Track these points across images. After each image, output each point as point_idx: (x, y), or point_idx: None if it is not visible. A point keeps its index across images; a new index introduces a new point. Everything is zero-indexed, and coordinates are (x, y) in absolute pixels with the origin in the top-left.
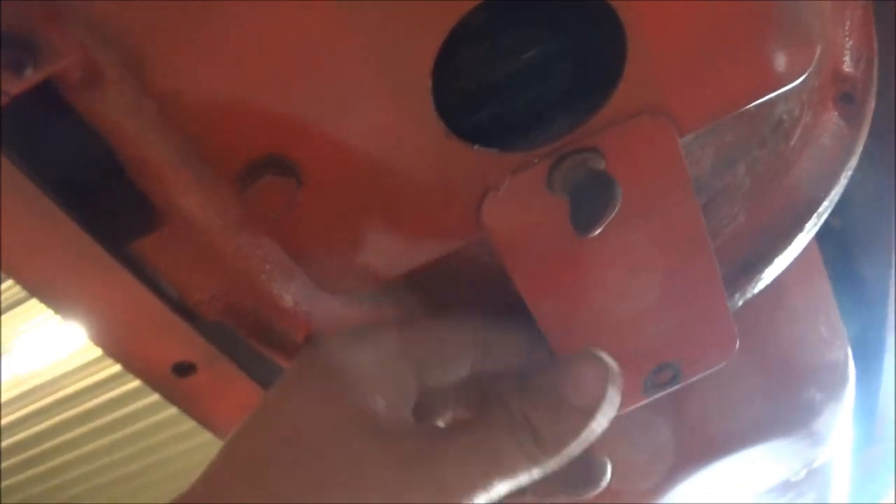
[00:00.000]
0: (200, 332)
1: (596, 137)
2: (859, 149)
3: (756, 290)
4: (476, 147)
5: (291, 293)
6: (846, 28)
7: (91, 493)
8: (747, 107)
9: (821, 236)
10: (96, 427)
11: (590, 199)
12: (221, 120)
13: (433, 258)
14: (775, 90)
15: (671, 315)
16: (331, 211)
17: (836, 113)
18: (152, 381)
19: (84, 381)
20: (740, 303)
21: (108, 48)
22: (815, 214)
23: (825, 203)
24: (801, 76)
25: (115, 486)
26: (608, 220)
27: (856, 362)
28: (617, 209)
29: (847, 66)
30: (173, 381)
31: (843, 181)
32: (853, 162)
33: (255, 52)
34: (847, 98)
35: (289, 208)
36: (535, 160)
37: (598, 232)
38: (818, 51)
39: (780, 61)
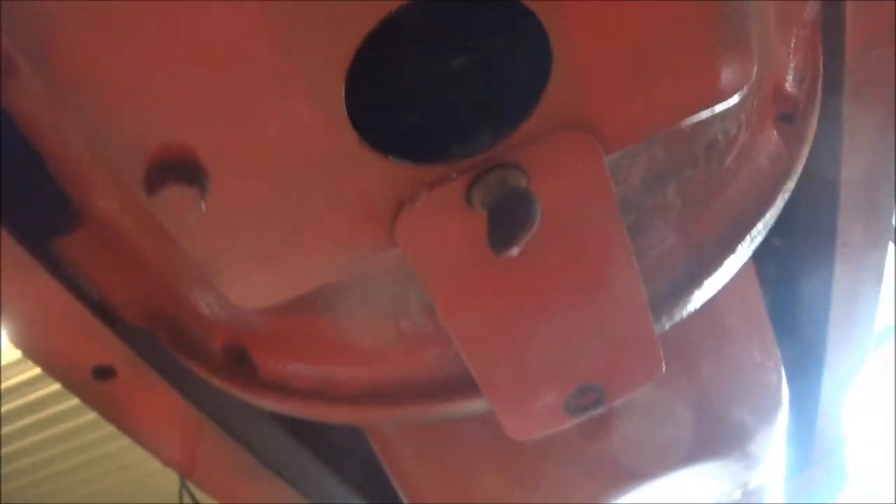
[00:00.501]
0: (121, 337)
1: (518, 153)
2: (798, 170)
3: (685, 314)
4: (391, 158)
5: (209, 300)
6: (791, 46)
7: (28, 486)
8: (680, 124)
9: (762, 255)
10: (40, 419)
11: (508, 218)
12: (122, 115)
13: (346, 273)
14: (709, 107)
15: (593, 336)
16: (239, 219)
17: (776, 132)
18: (72, 385)
19: (28, 373)
20: (668, 326)
21: (16, 39)
22: (749, 237)
23: (759, 225)
24: (737, 93)
25: (52, 481)
26: (526, 240)
27: (794, 382)
28: (535, 229)
29: (790, 86)
30: (93, 384)
31: (779, 203)
32: (791, 184)
33: (159, 48)
34: (787, 118)
35: (194, 216)
36: (454, 174)
37: (515, 251)
38: (755, 67)
39: (716, 77)
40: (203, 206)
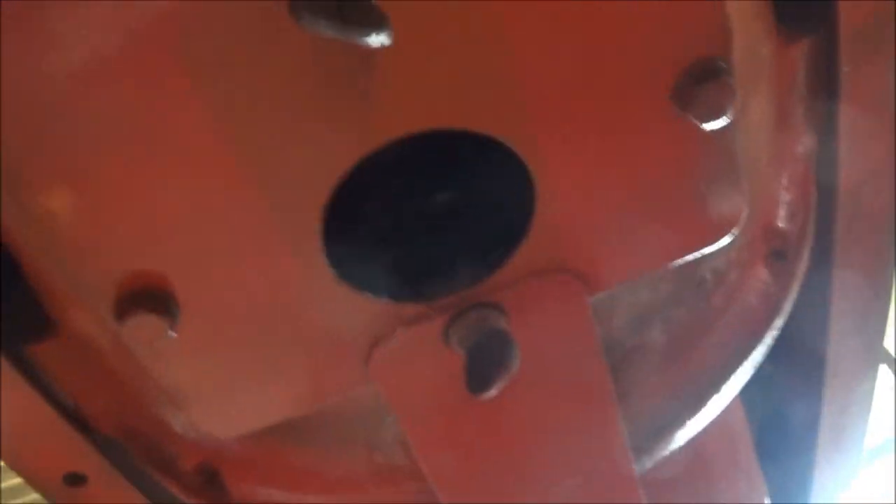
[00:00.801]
0: (94, 445)
1: (499, 293)
2: (788, 307)
3: (667, 453)
4: (368, 295)
5: (182, 420)
6: (784, 182)
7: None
8: (667, 267)
9: (749, 381)
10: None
11: (486, 359)
12: (93, 243)
13: (317, 406)
14: (697, 251)
15: (570, 474)
16: (209, 350)
17: (766, 270)
18: (43, 489)
19: None
20: (648, 465)
21: None
22: (734, 376)
23: (745, 365)
24: (724, 238)
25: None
26: (503, 382)
27: None
28: (513, 372)
29: (781, 222)
30: (64, 490)
31: (767, 340)
32: (780, 322)
33: (133, 185)
34: (778, 255)
35: (163, 343)
36: (432, 313)
37: (492, 393)
38: (745, 213)
39: (705, 221)
40: (172, 334)
